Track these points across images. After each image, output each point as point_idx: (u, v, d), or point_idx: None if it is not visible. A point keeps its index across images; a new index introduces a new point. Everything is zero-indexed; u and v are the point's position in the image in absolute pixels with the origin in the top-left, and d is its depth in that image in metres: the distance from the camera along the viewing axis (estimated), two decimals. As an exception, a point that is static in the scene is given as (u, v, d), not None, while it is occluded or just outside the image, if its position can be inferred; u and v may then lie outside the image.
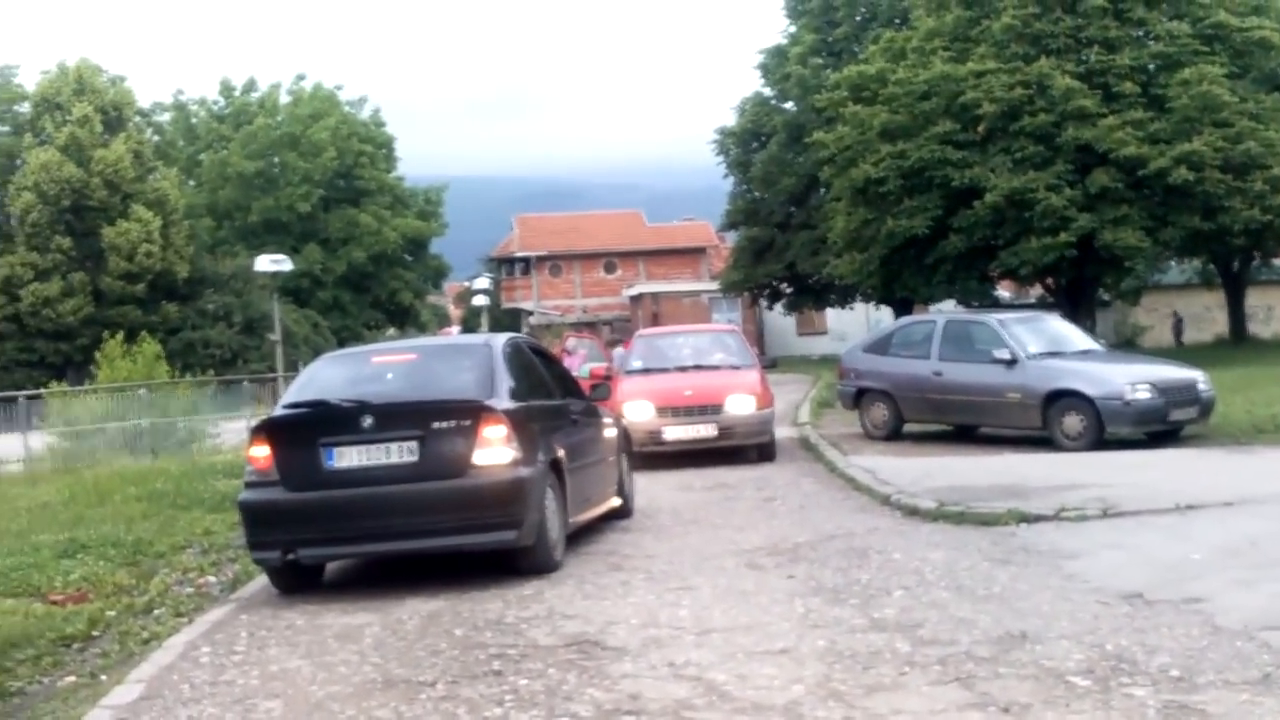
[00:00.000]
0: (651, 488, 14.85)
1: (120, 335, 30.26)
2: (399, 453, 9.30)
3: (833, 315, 58.81)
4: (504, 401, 9.64)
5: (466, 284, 76.59)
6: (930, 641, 7.09)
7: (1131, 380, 16.18)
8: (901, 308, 42.84)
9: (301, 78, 65.72)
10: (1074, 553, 9.09)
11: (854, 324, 55.18)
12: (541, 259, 73.81)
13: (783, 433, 20.14)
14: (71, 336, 48.05)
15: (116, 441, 24.81)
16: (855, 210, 37.79)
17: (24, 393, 26.81)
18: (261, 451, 9.52)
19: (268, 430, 9.66)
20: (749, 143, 55.04)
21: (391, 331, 64.53)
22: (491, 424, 9.33)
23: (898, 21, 47.43)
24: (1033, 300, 47.38)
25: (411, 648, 7.73)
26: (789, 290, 54.86)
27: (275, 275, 31.94)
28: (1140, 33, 35.81)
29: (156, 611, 9.44)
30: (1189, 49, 34.22)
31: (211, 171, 61.33)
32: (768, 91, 55.09)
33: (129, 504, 14.88)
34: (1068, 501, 10.83)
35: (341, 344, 45.72)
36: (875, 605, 8.02)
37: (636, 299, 64.91)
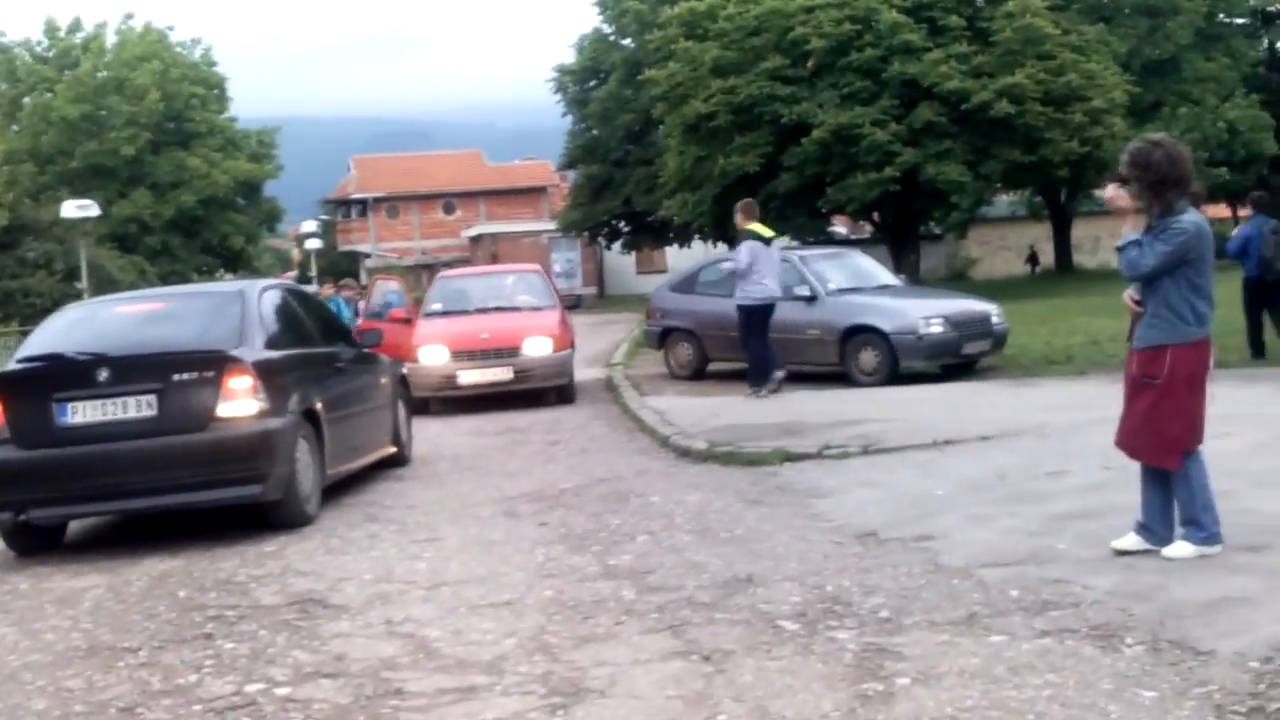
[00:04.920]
0: (443, 434, 14.65)
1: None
2: (136, 407, 8.92)
3: (672, 254, 58.72)
4: (253, 351, 9.30)
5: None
6: (656, 588, 6.99)
7: (925, 314, 16.29)
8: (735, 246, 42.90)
9: (130, 17, 63.52)
10: (826, 491, 9.08)
11: (693, 262, 55.15)
12: (379, 200, 72.72)
13: (593, 374, 20.07)
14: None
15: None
16: (687, 148, 37.66)
17: None
18: (-9, 409, 9.08)
19: (-3, 386, 9.21)
20: (587, 80, 54.63)
21: (223, 274, 63.03)
22: (236, 375, 9.00)
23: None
24: (867, 235, 47.91)
25: (129, 611, 7.43)
26: (627, 229, 54.76)
27: (83, 221, 30.72)
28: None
29: (-120, 579, 8.97)
30: (1014, -21, 34.53)
31: (34, 116, 59.09)
32: (606, 28, 54.66)
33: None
34: (834, 439, 10.84)
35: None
36: (615, 552, 7.91)
37: (476, 240, 64.32)
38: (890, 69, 33.74)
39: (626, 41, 52.43)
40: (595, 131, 53.53)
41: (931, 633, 5.83)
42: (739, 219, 15.99)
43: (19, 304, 46.85)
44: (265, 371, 9.19)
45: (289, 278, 38.13)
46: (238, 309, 9.68)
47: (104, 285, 47.09)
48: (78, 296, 47.63)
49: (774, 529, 8.12)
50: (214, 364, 8.98)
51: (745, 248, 15.42)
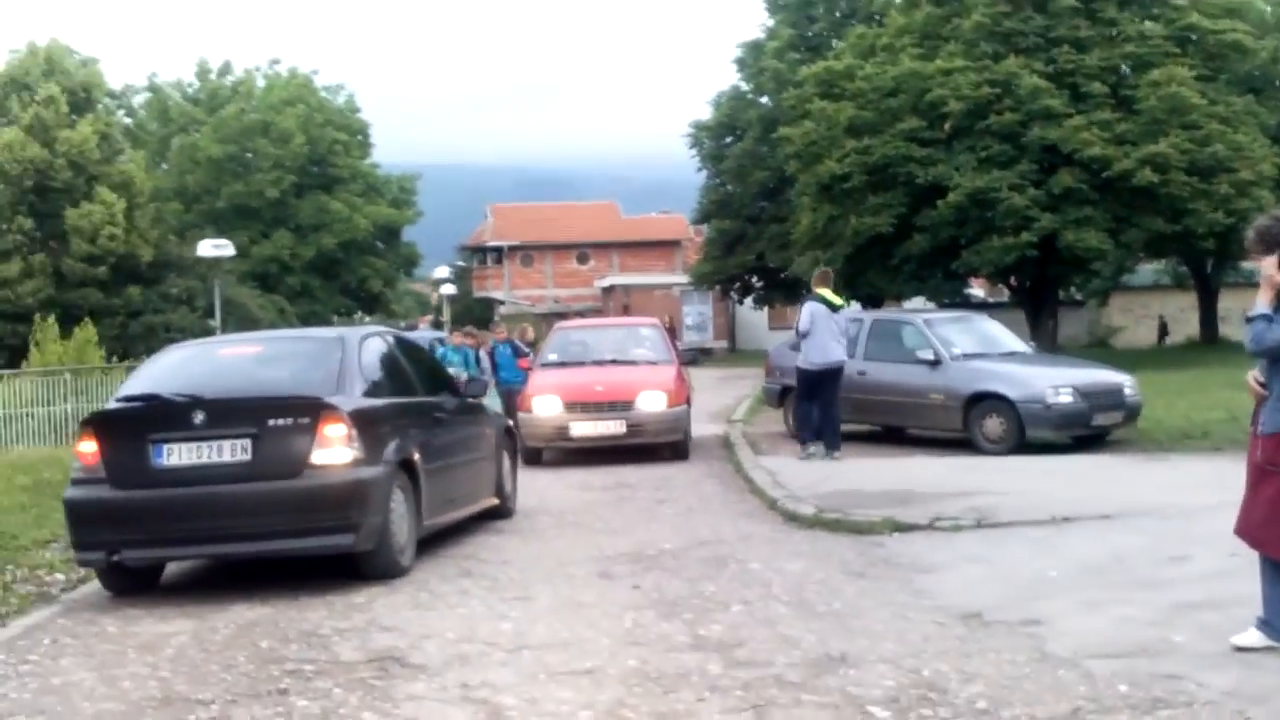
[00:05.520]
0: (551, 486, 14.47)
1: (52, 319, 29.65)
2: (231, 451, 8.84)
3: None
4: (349, 399, 9.18)
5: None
6: (744, 663, 6.68)
7: (1054, 383, 15.77)
8: (871, 304, 42.37)
9: (276, 62, 65.22)
10: (932, 566, 8.68)
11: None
12: (514, 248, 73.38)
13: (712, 430, 19.77)
14: (30, 318, 47.38)
15: (45, 427, 24.34)
16: (820, 207, 37.32)
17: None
18: (89, 447, 9.06)
19: (95, 425, 9.19)
20: (723, 136, 54.65)
21: (361, 316, 63.97)
22: (332, 422, 8.88)
23: (876, 17, 46.96)
24: (1005, 299, 47.03)
25: (209, 661, 7.30)
26: (759, 284, 54.53)
27: (217, 261, 31.35)
28: (1112, 33, 35.31)
29: (-24, 613, 8.97)
30: (1160, 50, 33.75)
31: (181, 155, 60.66)
32: (744, 85, 54.74)
33: (12, 493, 14.40)
34: (946, 510, 10.42)
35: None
36: (706, 621, 7.61)
37: (608, 290, 64.48)
38: (1030, 134, 33.07)
39: (764, 100, 52.38)
40: (729, 187, 53.54)
41: (1031, 728, 5.45)
42: (814, 283, 16.21)
43: (160, 338, 47.85)
44: (361, 420, 9.06)
45: (426, 322, 38.35)
46: (337, 355, 9.58)
47: (244, 323, 48.14)
48: (213, 333, 48.74)
49: (874, 604, 7.76)
50: (309, 410, 8.88)
51: (807, 310, 15.58)
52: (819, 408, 15.59)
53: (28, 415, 24.38)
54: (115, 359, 30.11)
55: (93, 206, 48.72)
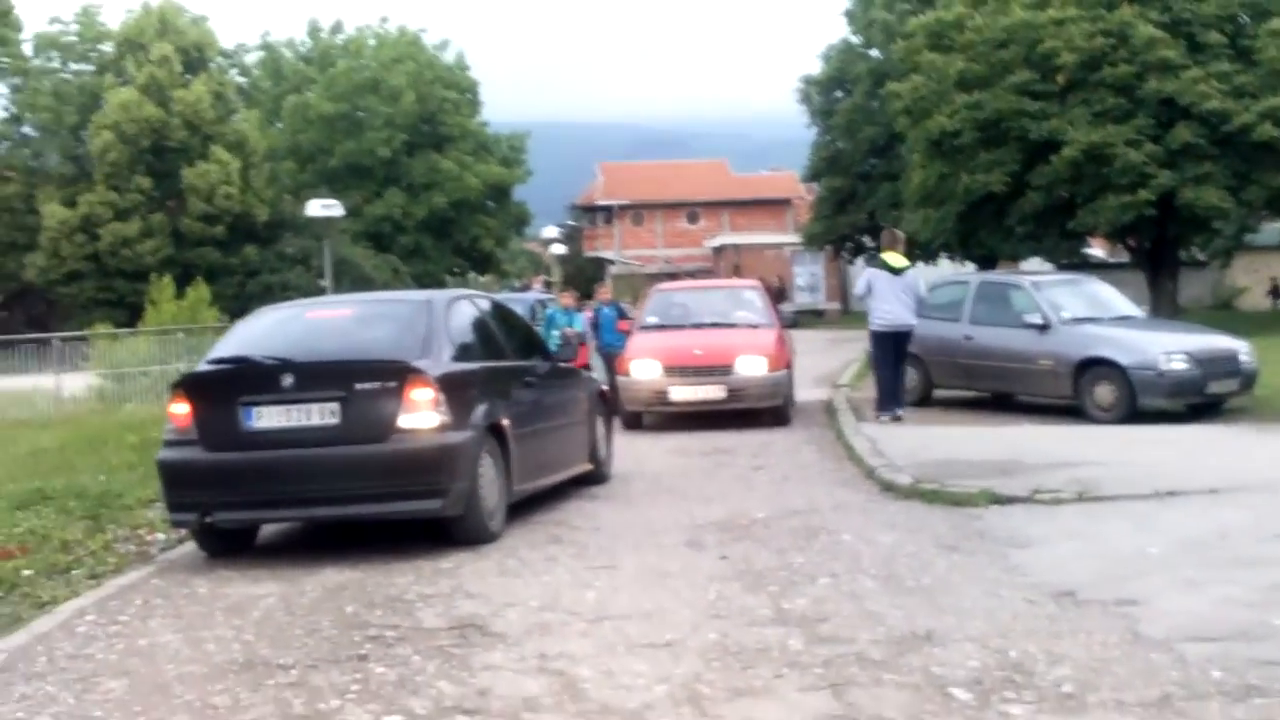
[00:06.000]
0: (649, 451, 14.41)
1: (168, 278, 30.13)
2: (320, 414, 8.87)
3: (919, 269, 57.58)
4: (436, 362, 9.16)
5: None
6: (826, 639, 6.54)
7: (1167, 349, 15.36)
8: (986, 264, 41.68)
9: (385, 20, 65.48)
10: (1028, 541, 8.45)
11: (940, 280, 53.92)
12: (624, 208, 73.36)
13: (817, 395, 19.57)
14: (149, 277, 48.33)
15: (160, 385, 24.76)
16: (931, 164, 36.73)
17: (59, 335, 26.77)
18: (181, 409, 9.16)
19: (187, 387, 9.29)
20: (833, 91, 54.06)
21: (474, 276, 64.45)
22: (418, 386, 8.87)
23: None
24: (1126, 260, 45.99)
25: (293, 625, 7.33)
26: (871, 244, 53.90)
27: (329, 221, 31.66)
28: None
29: (75, 572, 9.11)
30: (1280, -2, 32.67)
31: (294, 114, 61.31)
32: (854, 39, 54.01)
33: (122, 452, 14.67)
34: (1047, 482, 10.15)
35: (422, 289, 45.50)
36: (791, 594, 7.47)
37: (718, 250, 64.26)
38: (1145, 86, 32.16)
39: (873, 52, 51.63)
40: (840, 143, 52.96)
41: (1117, 713, 5.26)
42: (882, 245, 16.45)
43: (278, 297, 48.43)
44: (449, 384, 9.03)
45: (539, 282, 38.52)
46: (424, 319, 9.56)
47: (358, 283, 48.71)
48: (336, 292, 49.30)
49: (964, 580, 7.57)
50: (396, 374, 8.87)
51: (865, 275, 15.83)
52: (886, 369, 15.75)
53: (141, 374, 24.85)
54: (230, 318, 30.48)
55: (208, 166, 49.54)
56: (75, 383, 24.63)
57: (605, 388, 13.31)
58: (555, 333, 17.27)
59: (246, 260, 50.87)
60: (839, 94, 53.68)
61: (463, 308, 10.36)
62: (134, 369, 25.08)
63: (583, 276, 61.53)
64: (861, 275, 15.87)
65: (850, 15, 53.35)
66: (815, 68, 56.41)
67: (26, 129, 55.50)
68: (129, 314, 43.07)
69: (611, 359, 18.27)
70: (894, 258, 15.77)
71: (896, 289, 15.59)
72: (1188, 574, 7.38)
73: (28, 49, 55.56)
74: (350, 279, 49.15)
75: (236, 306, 41.11)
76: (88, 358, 25.66)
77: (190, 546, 9.79)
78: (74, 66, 55.65)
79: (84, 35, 55.25)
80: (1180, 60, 32.05)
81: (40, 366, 24.96)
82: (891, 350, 15.71)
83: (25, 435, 17.56)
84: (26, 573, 9.00)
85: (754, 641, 6.57)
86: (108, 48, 54.09)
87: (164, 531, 10.45)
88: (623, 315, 20.04)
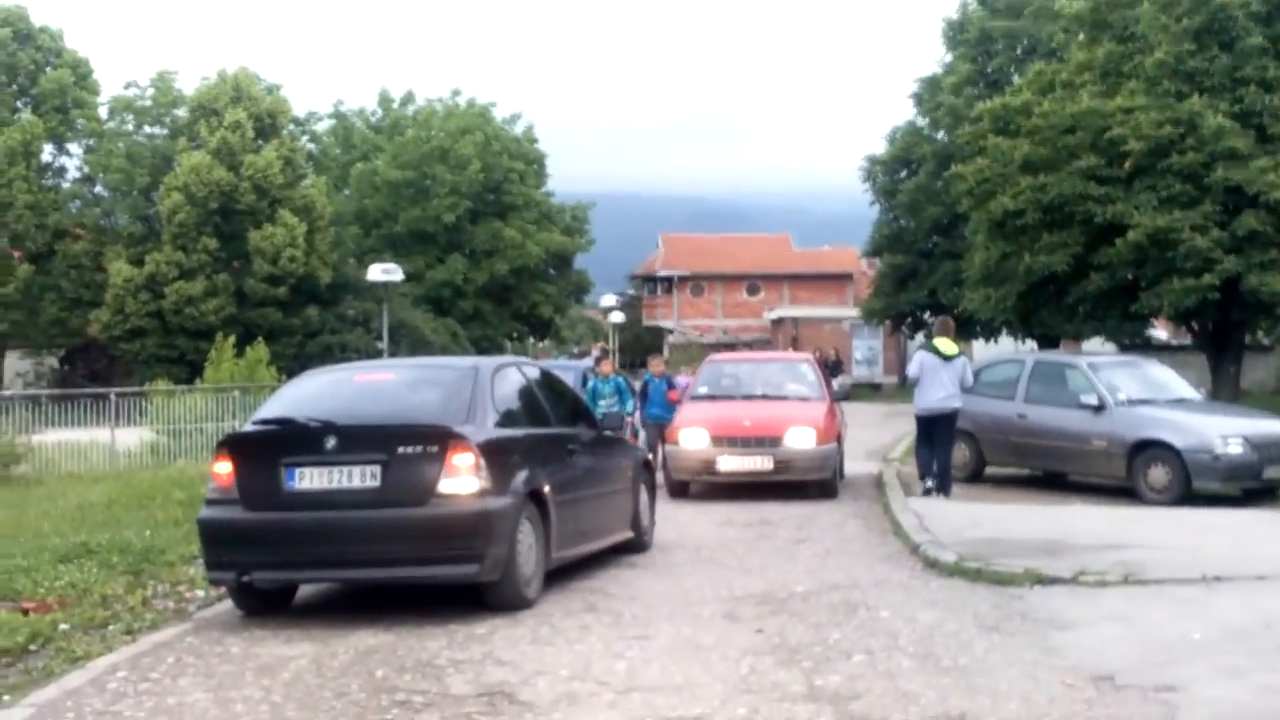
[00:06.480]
0: (693, 520, 14.32)
1: (231, 338, 30.42)
2: (361, 476, 8.88)
3: (979, 347, 57.27)
4: (479, 429, 9.16)
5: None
6: (858, 717, 6.45)
7: (1223, 433, 15.17)
8: (1047, 343, 41.39)
9: (458, 93, 66.13)
10: (1070, 623, 8.29)
11: (995, 358, 53.58)
12: (684, 278, 73.54)
13: (867, 468, 19.42)
14: (212, 335, 48.78)
15: (213, 442, 24.93)
16: (993, 244, 36.55)
17: (116, 389, 27.05)
18: (224, 468, 9.21)
19: (231, 446, 9.34)
20: (897, 170, 54.10)
21: (534, 343, 64.63)
22: (460, 451, 8.86)
23: (1056, 53, 45.95)
24: (1189, 342, 45.52)
25: (323, 687, 7.30)
26: (931, 321, 53.70)
27: (389, 285, 31.93)
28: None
29: (112, 628, 9.13)
30: (1351, 92, 32.37)
31: (361, 180, 61.96)
32: (920, 121, 54.14)
33: (169, 508, 14.77)
34: (1093, 564, 9.97)
35: (481, 354, 45.71)
36: (825, 670, 7.37)
37: (777, 322, 64.16)
38: (1213, 174, 31.91)
39: (939, 134, 51.69)
40: (902, 221, 52.94)
41: (1150, 805, 5.12)
42: (934, 332, 16.99)
43: (337, 358, 48.89)
44: (490, 450, 9.02)
45: (599, 348, 38.60)
46: (469, 385, 9.56)
47: (417, 346, 49.03)
48: (395, 354, 49.67)
49: (1003, 661, 7.43)
50: (438, 439, 8.87)
51: (916, 359, 16.08)
52: (931, 450, 15.84)
53: (197, 430, 25.05)
54: (287, 377, 30.74)
55: (275, 229, 50.04)
56: (130, 437, 24.86)
57: (649, 456, 13.25)
58: (603, 402, 17.21)
59: (308, 321, 51.21)
60: (903, 173, 53.70)
61: (509, 374, 10.37)
62: (190, 425, 25.29)
63: (640, 345, 61.55)
64: (914, 358, 16.06)
65: (917, 98, 53.48)
66: (879, 147, 56.51)
67: (98, 189, 56.36)
68: (189, 371, 43.47)
69: (659, 429, 18.23)
70: (945, 344, 15.83)
71: (943, 376, 15.59)
72: (1230, 661, 7.21)
73: (103, 112, 56.57)
74: (409, 342, 49.46)
75: (295, 366, 41.43)
76: (145, 413, 25.88)
77: (227, 604, 9.79)
78: (148, 130, 56.58)
79: (159, 100, 56.12)
80: (1249, 150, 31.80)
81: (98, 420, 25.22)
82: (930, 430, 15.82)
83: (76, 489, 17.73)
84: (63, 626, 9.04)
85: (783, 717, 6.48)
86: (182, 112, 54.88)
87: (204, 588, 10.47)
88: (672, 386, 19.97)
